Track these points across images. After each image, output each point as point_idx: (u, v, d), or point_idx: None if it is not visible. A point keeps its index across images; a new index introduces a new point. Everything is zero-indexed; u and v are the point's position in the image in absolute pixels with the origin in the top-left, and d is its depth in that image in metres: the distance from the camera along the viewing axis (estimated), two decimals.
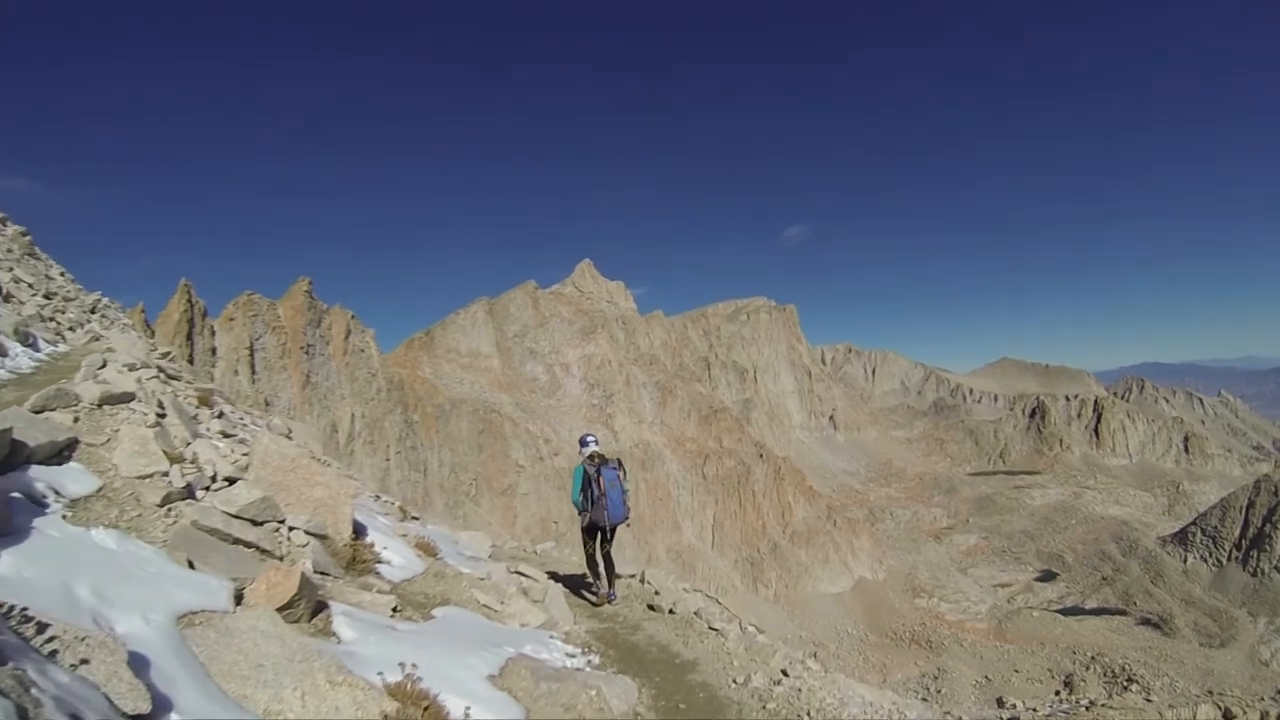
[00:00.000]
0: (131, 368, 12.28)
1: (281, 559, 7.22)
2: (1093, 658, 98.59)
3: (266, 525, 7.56)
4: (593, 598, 13.52)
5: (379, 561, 9.08)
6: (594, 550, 13.17)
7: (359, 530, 9.57)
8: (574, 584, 14.67)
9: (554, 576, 14.51)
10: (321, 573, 7.54)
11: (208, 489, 7.79)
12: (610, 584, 13.45)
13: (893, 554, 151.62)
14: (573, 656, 8.98)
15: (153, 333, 78.02)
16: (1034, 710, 26.70)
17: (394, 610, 7.47)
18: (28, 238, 28.83)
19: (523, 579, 12.52)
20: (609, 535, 12.99)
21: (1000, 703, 29.95)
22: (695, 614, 13.10)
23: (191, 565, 6.15)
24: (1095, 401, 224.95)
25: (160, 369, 14.62)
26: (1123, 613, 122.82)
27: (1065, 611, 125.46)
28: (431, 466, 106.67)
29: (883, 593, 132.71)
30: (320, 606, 6.44)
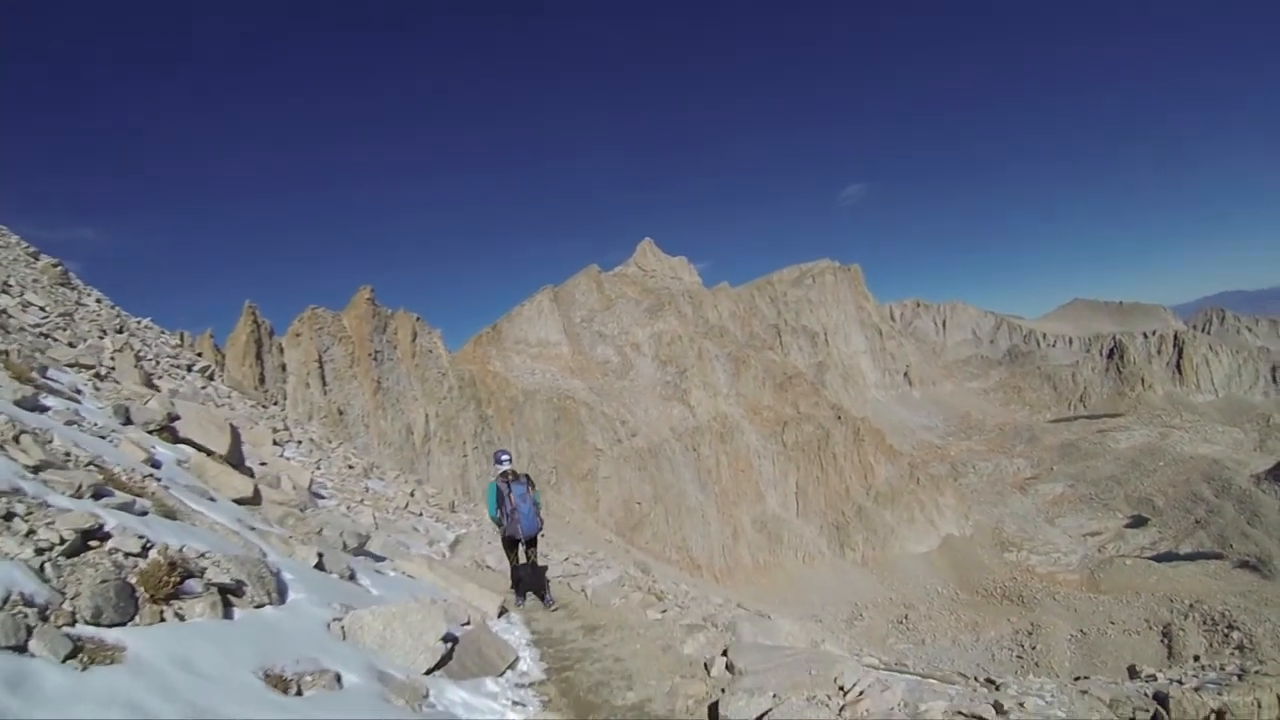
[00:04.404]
0: None
1: None
2: (1191, 605, 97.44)
3: None
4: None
5: None
6: (517, 562, 13.81)
7: None
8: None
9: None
10: None
11: None
12: (542, 593, 14.08)
13: (978, 508, 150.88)
14: None
15: (223, 356, 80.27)
16: (1178, 682, 26.50)
17: None
18: (59, 268, 29.72)
19: None
20: (528, 547, 13.71)
21: (1133, 672, 29.74)
22: None
23: None
24: (1175, 336, 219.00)
25: None
26: (1219, 556, 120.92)
27: (1159, 558, 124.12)
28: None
29: (970, 549, 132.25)
30: None
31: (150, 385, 19.32)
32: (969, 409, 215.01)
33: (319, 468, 27.00)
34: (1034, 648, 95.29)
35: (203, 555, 7.18)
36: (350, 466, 32.28)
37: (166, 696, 4.81)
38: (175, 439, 13.85)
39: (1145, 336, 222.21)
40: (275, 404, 66.05)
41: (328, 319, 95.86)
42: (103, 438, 11.23)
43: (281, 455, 24.58)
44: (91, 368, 16.98)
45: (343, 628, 7.72)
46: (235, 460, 14.81)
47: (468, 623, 10.60)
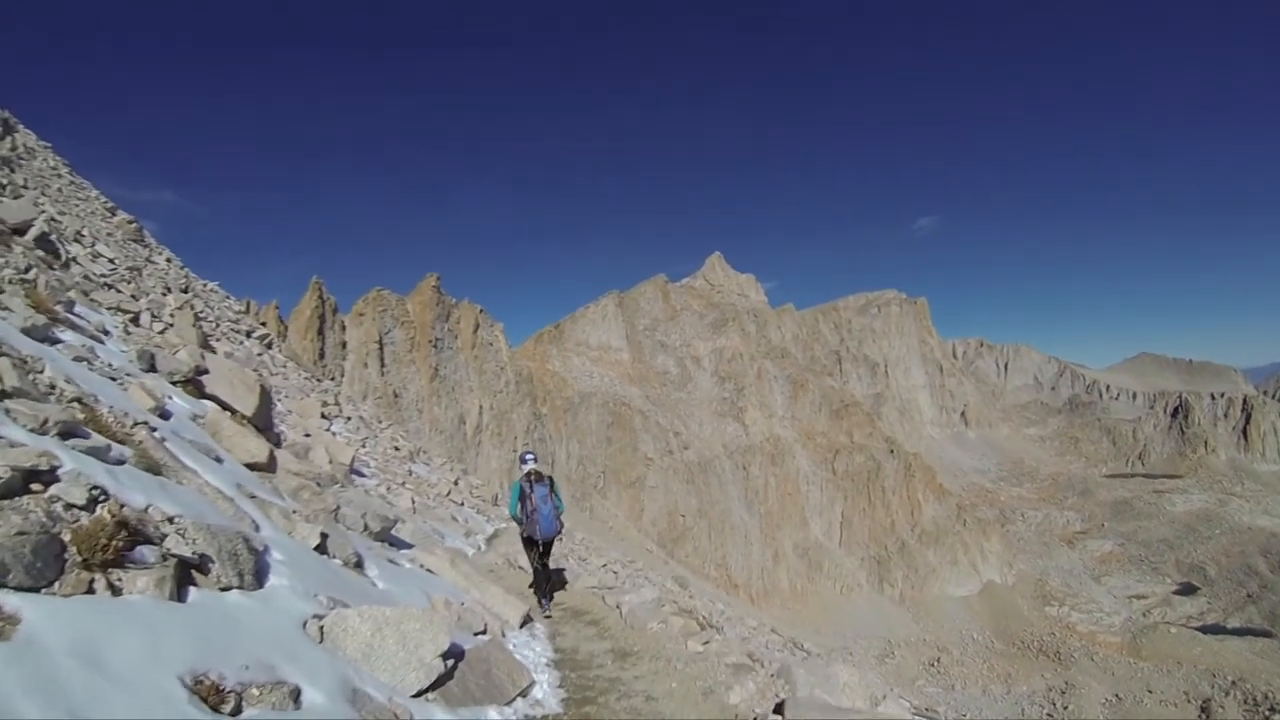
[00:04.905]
0: None
1: None
2: (1233, 682, 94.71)
3: None
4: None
5: None
6: (537, 562, 13.56)
7: None
8: None
9: None
10: None
11: None
12: (548, 596, 13.69)
13: (1023, 558, 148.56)
14: None
15: (286, 328, 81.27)
16: None
17: None
18: (134, 225, 31.02)
19: None
20: (544, 549, 13.46)
21: None
22: None
23: None
24: (1244, 400, 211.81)
25: None
26: (1268, 634, 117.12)
27: (1205, 629, 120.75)
28: (559, 459, 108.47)
29: (1011, 598, 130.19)
30: None
31: (206, 346, 19.05)
32: (1023, 455, 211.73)
33: (364, 446, 27.37)
34: (1066, 707, 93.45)
35: (170, 519, 5.95)
36: (396, 448, 32.42)
37: (42, 698, 3.57)
38: (200, 393, 12.95)
39: (1213, 398, 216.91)
40: (332, 379, 66.60)
41: (392, 301, 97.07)
42: (112, 379, 10.19)
43: (328, 430, 24.80)
44: (132, 314, 16.56)
45: (321, 628, 6.35)
46: (262, 424, 14.10)
47: (483, 631, 9.60)
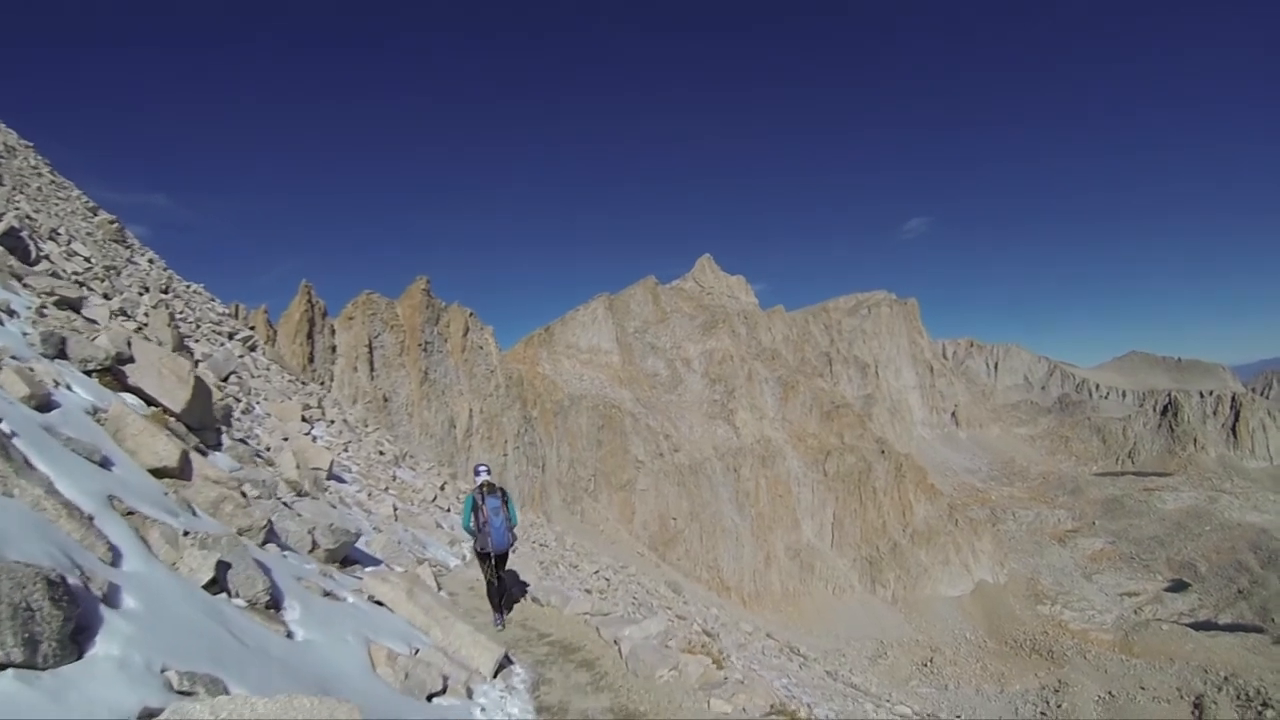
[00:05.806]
0: None
1: None
2: (1225, 678, 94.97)
3: None
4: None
5: None
6: (491, 575, 13.16)
7: None
8: None
9: None
10: None
11: None
12: (505, 609, 13.61)
13: (1014, 557, 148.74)
14: None
15: (275, 332, 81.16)
16: None
17: None
18: (115, 225, 30.79)
19: None
20: (496, 561, 13.06)
21: None
22: None
23: None
24: (1232, 398, 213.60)
25: None
26: (1259, 630, 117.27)
27: (1197, 626, 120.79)
28: (550, 462, 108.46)
29: (1003, 597, 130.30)
30: None
31: (182, 346, 18.42)
32: (1014, 454, 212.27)
33: (346, 450, 26.58)
34: (1060, 706, 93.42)
35: None
36: (381, 453, 31.89)
37: None
38: (121, 385, 11.05)
39: (1202, 395, 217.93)
40: (320, 384, 66.46)
41: (381, 305, 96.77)
42: None
43: (308, 434, 24.10)
44: (63, 298, 14.05)
45: None
46: (196, 422, 12.37)
47: (442, 690, 7.58)
